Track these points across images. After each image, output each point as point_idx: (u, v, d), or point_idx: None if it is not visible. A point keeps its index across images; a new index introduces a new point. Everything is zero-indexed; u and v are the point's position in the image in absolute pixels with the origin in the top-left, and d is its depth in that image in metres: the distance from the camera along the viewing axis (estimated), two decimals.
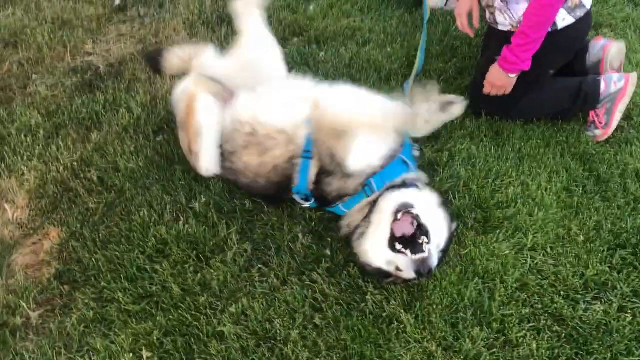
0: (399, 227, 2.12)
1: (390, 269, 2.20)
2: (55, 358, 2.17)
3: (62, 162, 2.90)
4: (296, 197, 2.53)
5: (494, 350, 2.07)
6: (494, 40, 2.97)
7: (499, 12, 2.87)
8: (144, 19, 3.91)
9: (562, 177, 2.70)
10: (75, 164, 2.89)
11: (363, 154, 2.36)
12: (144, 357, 2.17)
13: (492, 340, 2.10)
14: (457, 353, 2.06)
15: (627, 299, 2.22)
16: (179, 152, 2.90)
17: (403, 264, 2.14)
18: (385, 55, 3.50)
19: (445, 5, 3.93)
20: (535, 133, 2.94)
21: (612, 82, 2.86)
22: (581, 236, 2.45)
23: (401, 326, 2.15)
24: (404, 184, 2.34)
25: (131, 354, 2.17)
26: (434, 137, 2.95)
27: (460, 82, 3.29)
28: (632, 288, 2.25)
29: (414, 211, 2.14)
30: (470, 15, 3.07)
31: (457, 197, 2.62)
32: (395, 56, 3.48)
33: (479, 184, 2.67)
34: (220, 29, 3.79)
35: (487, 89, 2.89)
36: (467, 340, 2.08)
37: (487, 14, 3.02)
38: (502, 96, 2.89)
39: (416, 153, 2.60)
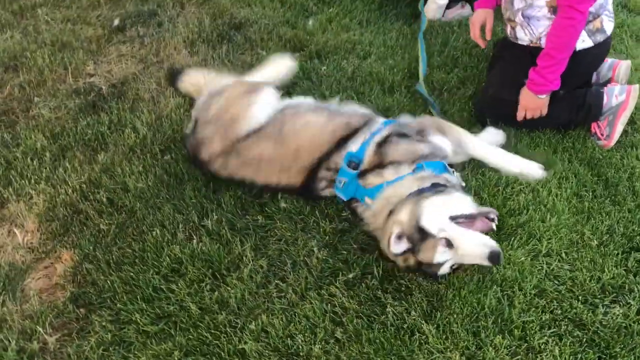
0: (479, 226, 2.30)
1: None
2: None
3: (70, 184, 2.88)
4: (342, 164, 2.60)
5: (518, 357, 2.07)
6: (508, 52, 3.01)
7: (520, 27, 2.89)
8: (144, 39, 3.91)
9: (572, 182, 2.73)
10: (83, 185, 2.88)
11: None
12: None
13: (514, 347, 2.10)
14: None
15: None
16: (188, 170, 2.91)
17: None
18: (387, 67, 3.53)
19: (443, 16, 3.97)
20: (542, 140, 2.97)
21: (614, 96, 2.89)
22: (594, 240, 2.47)
23: (423, 337, 2.15)
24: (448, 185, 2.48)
25: None
26: None
27: (463, 92, 3.31)
28: None
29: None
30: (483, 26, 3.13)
31: None
32: (397, 68, 3.50)
33: (489, 193, 2.69)
34: (221, 46, 3.80)
35: (520, 113, 2.90)
36: (490, 348, 2.08)
37: (508, 28, 3.02)
38: (510, 108, 2.91)
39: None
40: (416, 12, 3.95)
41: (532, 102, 2.83)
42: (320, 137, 2.67)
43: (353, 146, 2.64)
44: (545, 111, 2.87)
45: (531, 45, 2.88)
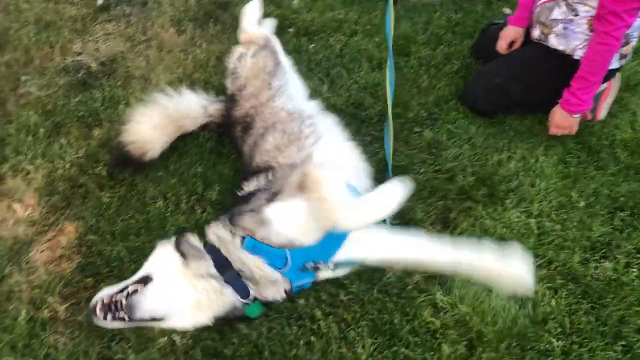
0: None
1: None
2: (89, 348, 2.18)
3: (67, 159, 2.89)
4: None
5: (518, 303, 2.19)
6: (528, 48, 3.06)
7: (554, 35, 2.88)
8: (130, 18, 3.89)
9: (558, 149, 2.87)
10: (82, 160, 2.88)
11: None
12: (177, 340, 2.22)
13: (513, 298, 2.23)
14: (484, 312, 2.18)
15: (631, 255, 2.39)
16: (186, 144, 2.94)
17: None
18: (375, 44, 3.61)
19: None
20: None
21: None
22: (582, 202, 2.61)
23: (429, 296, 2.25)
24: None
25: (165, 338, 2.21)
26: (432, 118, 3.07)
27: (450, 67, 3.41)
28: (635, 246, 2.42)
29: None
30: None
31: (461, 175, 2.74)
32: (384, 45, 3.58)
33: (480, 160, 2.80)
34: (208, 26, 3.82)
35: (553, 131, 2.90)
36: (494, 298, 2.20)
37: (537, 32, 3.00)
38: (511, 99, 3.00)
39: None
40: None
41: (566, 121, 2.85)
42: None
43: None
44: (576, 129, 2.90)
45: (564, 53, 2.89)
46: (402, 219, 2.51)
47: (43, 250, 2.56)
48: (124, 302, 2.03)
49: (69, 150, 2.94)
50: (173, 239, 2.23)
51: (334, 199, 2.09)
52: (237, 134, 2.79)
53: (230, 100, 2.90)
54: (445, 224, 2.57)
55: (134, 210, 2.65)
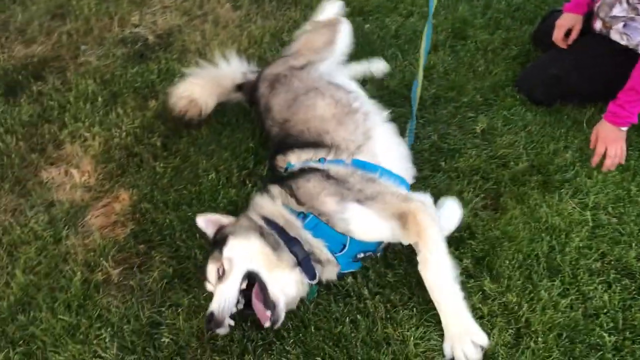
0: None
1: None
2: (140, 311, 2.24)
3: (123, 128, 2.95)
4: None
5: (570, 298, 2.15)
6: (591, 40, 2.96)
7: (615, 31, 2.81)
8: None
9: None
10: (137, 130, 2.95)
11: None
12: None
13: (565, 290, 2.18)
14: (533, 301, 2.15)
15: None
16: (238, 120, 2.97)
17: None
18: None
19: None
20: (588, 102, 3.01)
21: None
22: None
23: (477, 282, 2.23)
24: None
25: None
26: (487, 104, 3.02)
27: (507, 53, 3.34)
28: None
29: None
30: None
31: (515, 162, 2.69)
32: (440, 27, 3.53)
33: (535, 148, 2.74)
34: (264, 2, 3.83)
35: (600, 147, 2.71)
36: (543, 291, 2.16)
37: (598, 24, 2.93)
38: (566, 89, 2.92)
39: None
40: None
41: (612, 134, 2.71)
42: None
43: None
44: (624, 146, 2.72)
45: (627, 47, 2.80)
46: None
47: (98, 216, 2.63)
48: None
49: (125, 120, 3.00)
50: (254, 226, 2.19)
51: (434, 250, 2.11)
52: (262, 90, 2.82)
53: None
54: (495, 209, 2.53)
55: (186, 181, 2.70)
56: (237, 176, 2.70)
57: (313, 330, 2.13)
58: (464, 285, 2.18)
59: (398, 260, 2.32)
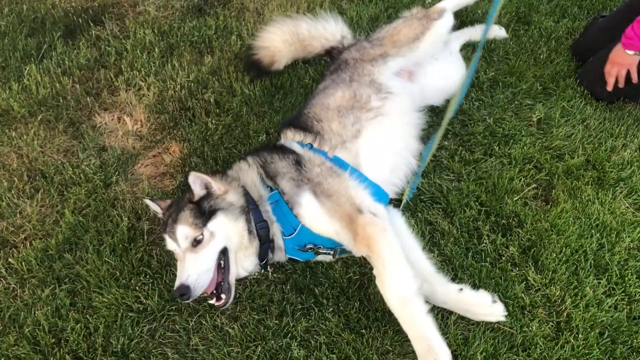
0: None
1: None
2: None
3: (178, 81, 2.96)
4: None
5: (614, 298, 2.11)
6: None
7: None
8: None
9: None
10: (191, 84, 2.95)
11: None
12: (269, 272, 2.27)
13: (610, 289, 2.15)
14: (577, 297, 2.12)
15: None
16: (292, 84, 2.95)
17: None
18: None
19: None
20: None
21: None
22: None
23: (522, 271, 2.21)
24: None
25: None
26: (546, 93, 2.95)
27: (571, 43, 3.24)
28: None
29: None
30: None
31: (570, 155, 2.63)
32: (505, 9, 3.43)
33: (592, 143, 2.68)
34: None
35: (608, 67, 2.78)
36: (588, 288, 2.13)
37: None
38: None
39: None
40: None
41: (620, 57, 2.74)
42: None
43: None
44: (633, 70, 2.74)
45: None
46: (502, 190, 2.45)
47: (147, 165, 2.66)
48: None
49: (181, 73, 3.01)
50: (243, 207, 2.19)
51: (388, 264, 2.02)
52: (331, 67, 2.80)
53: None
54: (546, 200, 2.49)
55: (237, 140, 2.71)
56: None
57: (357, 304, 2.14)
58: (506, 274, 2.17)
59: (445, 241, 2.30)
